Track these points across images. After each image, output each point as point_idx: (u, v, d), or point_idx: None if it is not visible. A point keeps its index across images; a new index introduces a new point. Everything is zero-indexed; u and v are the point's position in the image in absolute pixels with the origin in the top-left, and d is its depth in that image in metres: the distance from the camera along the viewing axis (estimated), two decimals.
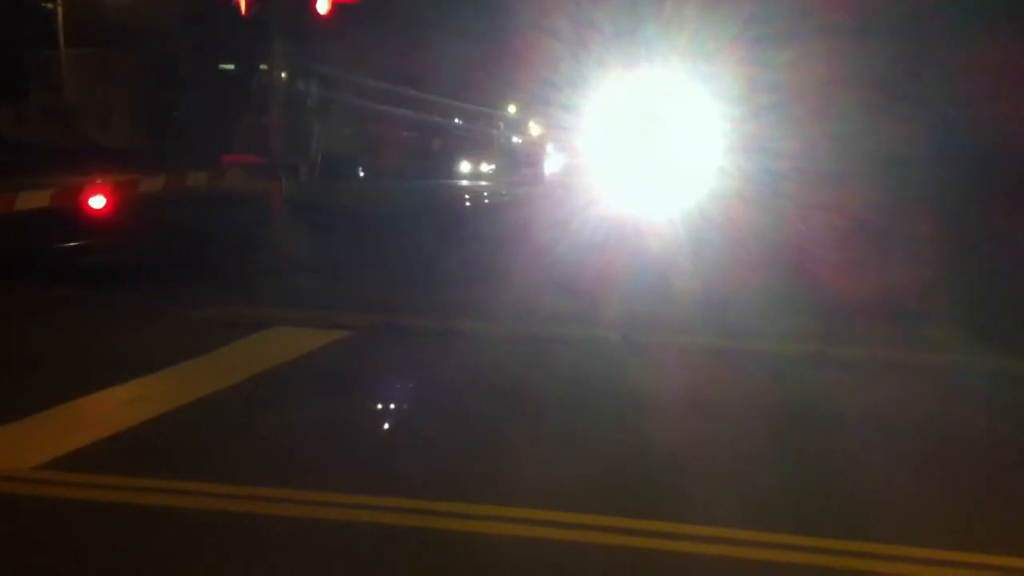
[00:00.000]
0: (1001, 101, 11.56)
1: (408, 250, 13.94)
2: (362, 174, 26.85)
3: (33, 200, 12.10)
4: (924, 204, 11.20)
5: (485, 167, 32.46)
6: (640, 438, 6.46)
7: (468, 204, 19.79)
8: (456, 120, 33.63)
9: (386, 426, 6.74)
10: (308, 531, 4.99)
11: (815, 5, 12.66)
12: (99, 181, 14.16)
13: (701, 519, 5.13)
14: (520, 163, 29.28)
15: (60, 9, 32.47)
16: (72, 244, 13.06)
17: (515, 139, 38.10)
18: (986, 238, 10.79)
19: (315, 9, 14.36)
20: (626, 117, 14.73)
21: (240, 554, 4.79)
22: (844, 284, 10.09)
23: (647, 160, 14.34)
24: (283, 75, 16.56)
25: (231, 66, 34.09)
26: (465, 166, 31.83)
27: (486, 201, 19.68)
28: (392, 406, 7.24)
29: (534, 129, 36.78)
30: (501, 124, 37.97)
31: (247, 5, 14.41)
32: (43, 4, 32.42)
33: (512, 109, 37.91)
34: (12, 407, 6.70)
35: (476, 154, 32.92)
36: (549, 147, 27.05)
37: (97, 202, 13.08)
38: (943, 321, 9.28)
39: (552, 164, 24.01)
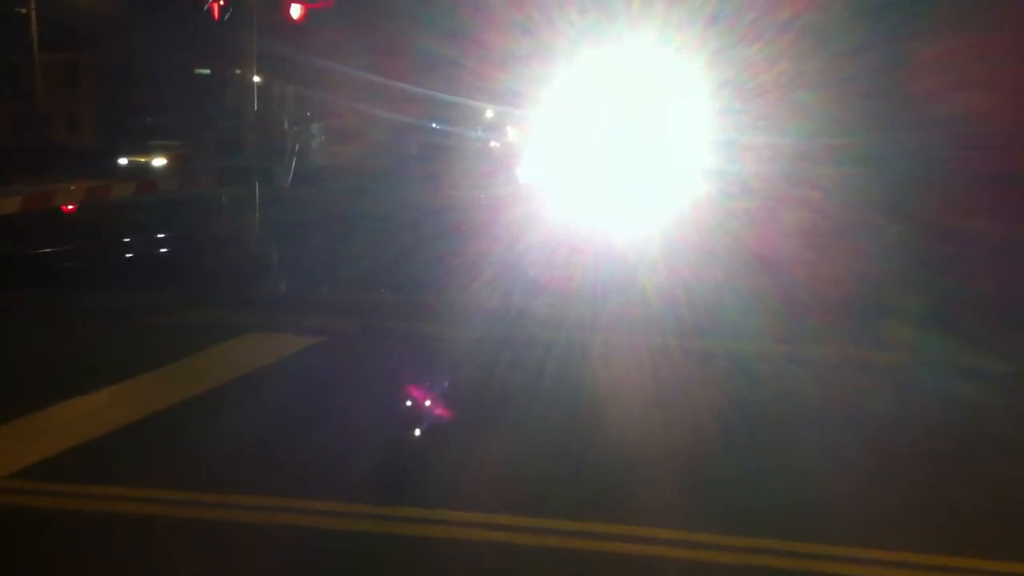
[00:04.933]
0: (973, 96, 11.65)
1: (381, 253, 13.96)
2: (336, 177, 26.77)
3: (3, 205, 12.03)
4: (894, 201, 11.29)
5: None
6: (605, 441, 6.50)
7: (443, 207, 19.83)
8: (433, 124, 33.54)
9: (354, 432, 6.75)
10: (275, 537, 5.01)
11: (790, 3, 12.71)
12: (71, 187, 14.08)
13: (664, 523, 5.17)
14: (495, 166, 29.25)
15: (33, 14, 32.18)
16: (43, 250, 12.99)
17: (492, 143, 38.00)
18: (956, 235, 10.90)
19: (288, 14, 14.34)
20: (598, 117, 14.80)
21: (209, 560, 4.80)
22: (814, 282, 10.18)
23: (620, 160, 14.40)
24: (256, 79, 16.50)
25: (206, 71, 33.92)
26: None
27: (460, 204, 19.75)
28: (361, 412, 7.24)
29: (511, 132, 36.72)
30: (479, 127, 37.88)
31: (219, 10, 14.37)
32: (17, 9, 32.11)
33: (489, 113, 37.84)
34: None
35: (446, 156, 32.77)
36: (525, 150, 27.01)
37: (68, 208, 13.02)
38: (911, 319, 9.39)
39: (527, 167, 23.99)
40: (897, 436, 6.74)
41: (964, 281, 9.99)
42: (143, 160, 25.69)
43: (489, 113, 37.80)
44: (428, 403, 7.49)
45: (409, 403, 7.48)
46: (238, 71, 16.25)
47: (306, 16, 14.43)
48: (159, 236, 14.38)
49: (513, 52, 15.97)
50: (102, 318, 10.12)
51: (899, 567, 4.75)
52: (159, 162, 25.72)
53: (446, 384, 7.97)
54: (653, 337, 9.12)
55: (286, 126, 25.23)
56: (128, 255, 13.44)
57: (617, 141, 14.51)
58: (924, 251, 10.60)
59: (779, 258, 10.87)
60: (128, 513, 5.27)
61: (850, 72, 11.89)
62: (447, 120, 32.43)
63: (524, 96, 17.53)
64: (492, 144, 37.66)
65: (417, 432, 6.82)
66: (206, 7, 14.56)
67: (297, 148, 25.58)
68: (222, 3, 14.23)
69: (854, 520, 5.26)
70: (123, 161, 24.00)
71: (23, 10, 31.64)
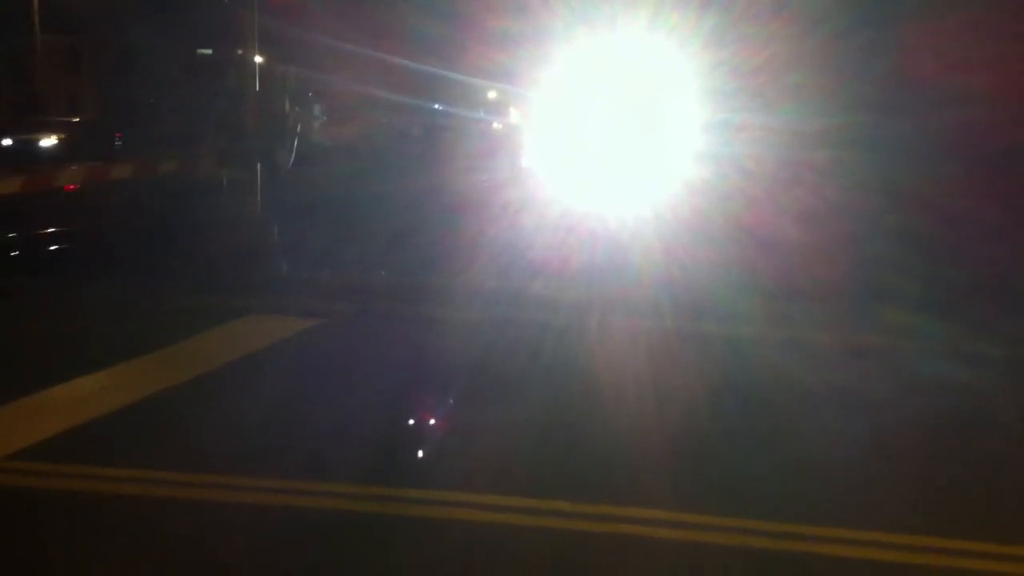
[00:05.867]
0: (969, 78, 11.57)
1: (382, 234, 13.96)
2: (338, 158, 26.73)
3: (4, 186, 12.02)
4: (891, 184, 11.26)
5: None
6: (603, 422, 6.52)
7: (445, 189, 19.86)
8: (436, 105, 33.43)
9: (353, 414, 6.75)
10: (275, 518, 5.04)
11: None
12: (72, 168, 14.05)
13: (662, 504, 5.18)
14: (497, 149, 29.17)
15: None
16: (43, 232, 12.99)
17: (495, 124, 37.83)
18: (953, 218, 10.87)
19: None
20: (597, 100, 14.75)
21: (207, 541, 4.81)
22: (812, 266, 10.15)
23: (618, 144, 14.36)
24: (258, 60, 16.46)
25: (208, 51, 33.75)
26: None
27: (461, 187, 19.78)
28: (361, 394, 7.25)
29: (513, 114, 36.52)
30: (481, 109, 37.72)
31: None
32: None
33: (492, 94, 37.64)
34: None
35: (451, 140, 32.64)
36: (526, 132, 26.92)
37: (68, 189, 13.01)
38: (909, 303, 9.36)
39: (528, 150, 23.95)
40: (894, 420, 6.74)
41: (962, 265, 9.96)
42: (29, 139, 24.02)
43: (492, 94, 37.63)
44: (427, 385, 7.48)
45: (408, 385, 7.48)
46: (240, 51, 16.19)
47: None
48: (159, 218, 14.36)
49: (513, 33, 15.91)
50: (101, 300, 10.12)
51: (895, 549, 4.76)
52: (47, 142, 23.89)
53: (445, 366, 7.97)
54: (653, 320, 9.12)
55: (288, 107, 25.12)
56: (127, 238, 13.41)
57: (616, 125, 14.47)
58: (921, 235, 10.57)
59: (777, 241, 10.84)
60: (127, 494, 5.28)
61: (848, 54, 11.84)
62: (449, 101, 32.32)
63: (525, 78, 17.47)
64: (495, 126, 37.52)
65: (416, 414, 6.82)
66: None
67: (299, 129, 25.49)
68: None
69: (850, 502, 5.28)
70: (7, 141, 22.07)
71: None
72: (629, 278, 10.47)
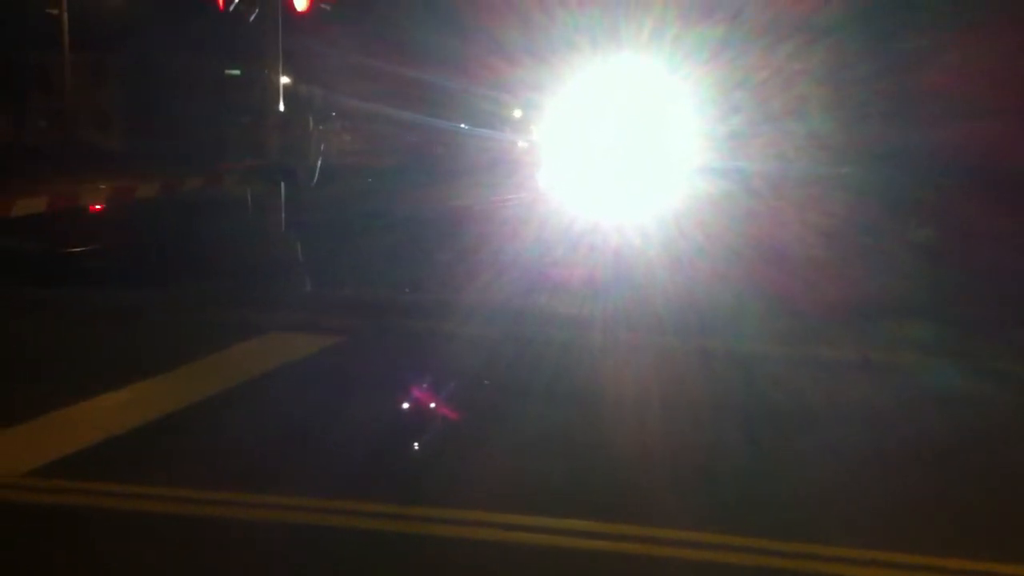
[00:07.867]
0: (983, 101, 11.52)
1: (403, 253, 14.04)
2: (361, 176, 26.86)
3: (30, 206, 12.13)
4: (900, 204, 11.22)
5: None
6: (616, 440, 6.52)
7: (465, 207, 19.92)
8: (461, 124, 33.56)
9: (372, 431, 6.77)
10: (295, 536, 5.06)
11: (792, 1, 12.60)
12: (100, 186, 14.16)
13: (672, 523, 5.17)
14: (518, 167, 29.20)
15: (65, 15, 32.52)
16: (69, 250, 13.11)
17: (520, 143, 37.89)
18: (965, 238, 10.81)
19: (293, 7, 14.30)
20: (609, 118, 14.77)
21: (227, 559, 4.84)
22: (821, 284, 10.12)
23: (626, 160, 14.36)
24: (281, 79, 16.59)
25: (236, 71, 34.00)
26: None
27: (481, 205, 19.91)
28: (379, 411, 7.27)
29: (535, 133, 36.48)
30: (505, 127, 37.79)
31: (224, 1, 14.34)
32: (48, 11, 32.46)
33: (517, 113, 37.71)
34: (6, 411, 6.78)
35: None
36: (544, 152, 26.90)
37: (94, 207, 13.13)
38: (919, 321, 9.31)
39: (546, 169, 23.96)
40: (907, 437, 6.69)
41: (977, 278, 9.91)
42: None
43: (517, 113, 37.68)
44: (445, 402, 7.50)
45: (426, 402, 7.50)
46: (265, 71, 16.30)
47: (312, 8, 14.39)
48: (182, 236, 14.47)
49: (534, 51, 15.96)
50: (123, 317, 10.21)
51: (911, 569, 4.73)
52: None
53: (464, 383, 7.99)
54: (663, 338, 9.13)
55: (311, 126, 25.28)
56: (151, 255, 13.52)
57: (626, 141, 14.48)
58: (935, 248, 10.52)
59: (788, 256, 10.82)
60: (147, 511, 5.32)
61: (856, 66, 11.82)
62: (472, 120, 32.41)
63: (544, 96, 17.52)
64: (520, 144, 37.52)
65: (434, 431, 6.85)
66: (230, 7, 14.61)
67: (322, 148, 25.62)
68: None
69: (865, 521, 5.26)
70: None
71: (55, 11, 31.96)
72: (650, 294, 10.46)
